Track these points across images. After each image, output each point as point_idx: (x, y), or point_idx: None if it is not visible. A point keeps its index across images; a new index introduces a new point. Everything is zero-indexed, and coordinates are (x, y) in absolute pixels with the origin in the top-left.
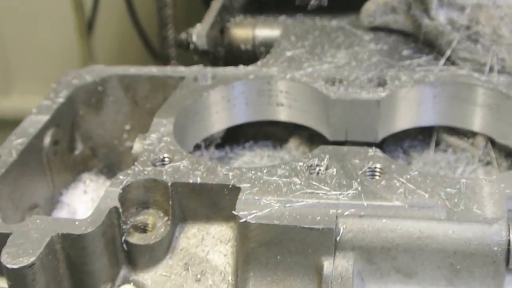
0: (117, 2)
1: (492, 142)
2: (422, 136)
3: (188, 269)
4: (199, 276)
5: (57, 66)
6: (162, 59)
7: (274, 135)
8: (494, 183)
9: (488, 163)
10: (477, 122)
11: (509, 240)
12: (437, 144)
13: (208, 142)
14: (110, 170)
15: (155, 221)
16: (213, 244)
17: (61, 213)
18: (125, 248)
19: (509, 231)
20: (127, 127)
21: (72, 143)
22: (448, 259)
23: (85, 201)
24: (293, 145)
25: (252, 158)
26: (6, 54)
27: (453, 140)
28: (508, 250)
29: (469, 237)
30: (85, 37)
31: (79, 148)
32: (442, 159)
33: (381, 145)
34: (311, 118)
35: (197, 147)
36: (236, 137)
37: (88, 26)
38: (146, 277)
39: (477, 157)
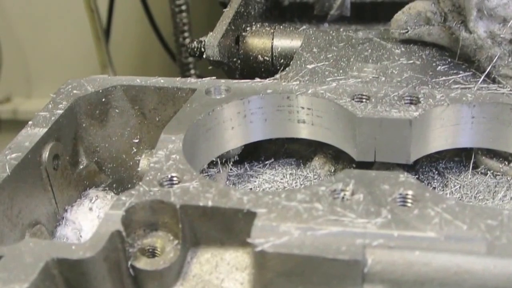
0: (133, 7)
1: None
2: (459, 158)
3: None
4: None
5: (75, 71)
6: (181, 65)
7: (297, 153)
8: None
9: None
10: None
11: None
12: (475, 166)
13: (224, 160)
14: (119, 185)
15: (164, 244)
16: (228, 271)
17: (66, 230)
18: (132, 273)
19: None
20: (136, 140)
21: (75, 158)
22: None
23: (90, 218)
24: (318, 164)
25: (273, 177)
26: (27, 60)
27: (492, 163)
28: None
29: None
30: (102, 42)
31: (83, 162)
32: (480, 183)
33: (414, 165)
34: (335, 137)
35: (213, 164)
36: (256, 153)
37: (105, 32)
38: None
39: None
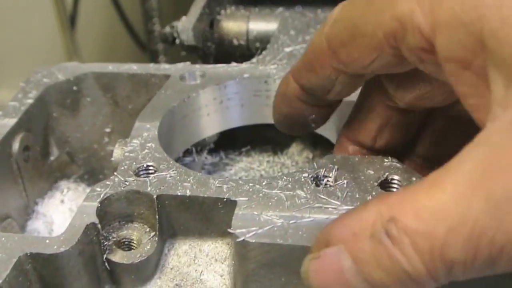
0: None
1: None
2: None
3: None
4: None
5: (42, 60)
6: (151, 52)
7: (274, 139)
8: None
9: None
10: None
11: None
12: None
13: (199, 147)
14: (91, 176)
15: (141, 236)
16: (208, 263)
17: (37, 223)
18: (108, 267)
19: None
20: (108, 129)
21: (46, 149)
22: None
23: (62, 211)
24: (295, 150)
25: (249, 164)
26: None
27: None
28: None
29: None
30: (67, 29)
31: (55, 153)
32: None
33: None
34: None
35: (188, 152)
36: (232, 141)
37: (70, 19)
38: None
39: None
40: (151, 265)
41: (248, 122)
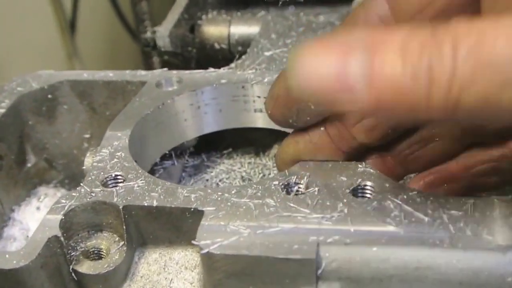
0: None
1: None
2: None
3: None
4: None
5: (42, 66)
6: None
7: (257, 141)
8: (509, 204)
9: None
10: None
11: None
12: None
13: (179, 151)
14: (72, 181)
15: (109, 246)
16: (177, 271)
17: (13, 230)
18: (75, 277)
19: None
20: (87, 135)
21: (21, 156)
22: None
23: (38, 218)
24: None
25: (231, 166)
26: None
27: None
28: None
29: (477, 267)
30: (67, 33)
31: (31, 160)
32: None
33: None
34: None
35: (168, 156)
36: (214, 143)
37: (70, 23)
38: None
39: None
40: (120, 275)
41: (227, 126)
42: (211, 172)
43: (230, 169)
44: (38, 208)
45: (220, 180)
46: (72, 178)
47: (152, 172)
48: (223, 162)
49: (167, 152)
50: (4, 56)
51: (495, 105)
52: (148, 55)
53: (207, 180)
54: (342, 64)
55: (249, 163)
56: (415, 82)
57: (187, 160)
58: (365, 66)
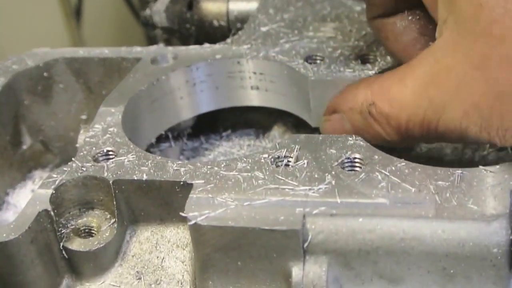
0: None
1: None
2: None
3: (140, 278)
4: (153, 286)
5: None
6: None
7: (257, 122)
8: (496, 174)
9: (502, 149)
10: None
11: (511, 240)
12: None
13: (177, 133)
14: None
15: (100, 223)
16: (169, 249)
17: (7, 214)
18: (65, 255)
19: (511, 229)
20: (84, 116)
21: (16, 137)
22: (440, 263)
23: None
24: (277, 133)
25: (229, 149)
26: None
27: None
28: (511, 251)
29: (462, 237)
30: (74, 22)
31: (27, 142)
32: (447, 145)
33: None
34: (291, 103)
35: (166, 138)
36: (213, 125)
37: (75, 10)
38: (93, 287)
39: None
40: (111, 253)
41: (224, 105)
42: (209, 155)
43: (228, 152)
44: (32, 191)
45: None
46: (69, 161)
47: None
48: (221, 145)
49: (163, 133)
50: (9, 44)
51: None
52: (153, 40)
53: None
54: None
55: (248, 145)
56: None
57: (185, 143)
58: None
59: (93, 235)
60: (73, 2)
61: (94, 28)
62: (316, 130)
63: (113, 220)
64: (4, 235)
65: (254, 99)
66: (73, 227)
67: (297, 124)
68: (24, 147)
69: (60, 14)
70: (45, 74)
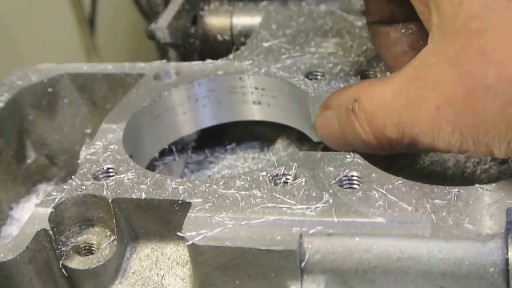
0: None
1: None
2: None
3: None
4: None
5: (61, 60)
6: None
7: (262, 135)
8: (492, 192)
9: (503, 162)
10: None
11: (507, 260)
12: None
13: (181, 147)
14: None
15: (100, 241)
16: (169, 266)
17: (11, 229)
18: (65, 273)
19: (507, 249)
20: (88, 130)
21: (21, 152)
22: (437, 282)
23: None
24: (281, 146)
25: (234, 162)
26: (17, 48)
27: None
28: (507, 270)
29: (459, 257)
30: (87, 31)
31: (31, 156)
32: (450, 158)
33: None
34: (292, 118)
35: (170, 152)
36: (218, 138)
37: (89, 18)
38: None
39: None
40: (111, 270)
41: (227, 119)
42: (214, 168)
43: (233, 165)
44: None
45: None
46: (74, 174)
47: (152, 167)
48: (226, 158)
49: (166, 147)
50: (24, 52)
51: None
52: (164, 50)
53: (209, 176)
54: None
55: (253, 158)
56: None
57: (190, 156)
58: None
59: (93, 252)
60: (87, 10)
61: (107, 36)
62: (318, 145)
63: (113, 237)
64: (2, 255)
65: (256, 113)
66: (73, 244)
67: (300, 137)
68: (29, 161)
69: (74, 22)
70: (49, 89)
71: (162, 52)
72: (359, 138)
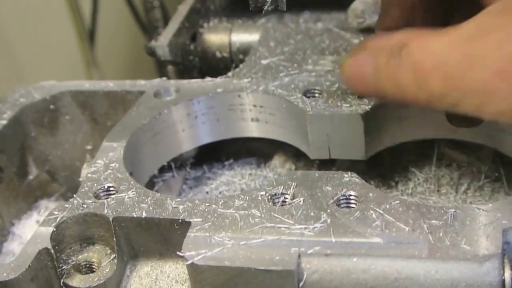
0: (118, 5)
1: (500, 155)
2: (423, 150)
3: None
4: None
5: (62, 77)
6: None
7: (259, 151)
8: (488, 213)
9: (497, 179)
10: (482, 134)
11: (503, 281)
12: (439, 158)
13: (179, 163)
14: (75, 194)
15: (101, 259)
16: (168, 284)
17: (13, 245)
18: None
19: (503, 270)
20: (89, 147)
21: (23, 168)
22: None
23: None
24: (278, 162)
25: (231, 178)
26: (19, 62)
27: (456, 154)
28: None
29: (455, 278)
30: (86, 42)
31: (33, 172)
32: (444, 175)
33: (382, 160)
34: (290, 135)
35: (169, 168)
36: (216, 154)
37: (89, 32)
38: None
39: (484, 173)
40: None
41: (226, 136)
42: (212, 184)
43: (230, 181)
44: (38, 222)
45: (220, 192)
46: (75, 190)
47: (151, 184)
48: (224, 174)
49: (165, 164)
50: (25, 65)
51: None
52: (163, 63)
53: (207, 192)
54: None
55: (250, 174)
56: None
57: (188, 172)
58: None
59: (94, 270)
60: (87, 24)
61: (107, 50)
62: (314, 161)
63: (113, 256)
64: (5, 274)
65: (254, 130)
66: (74, 262)
67: (297, 154)
68: (30, 177)
69: (74, 36)
70: (51, 106)
71: (160, 66)
72: (396, 85)
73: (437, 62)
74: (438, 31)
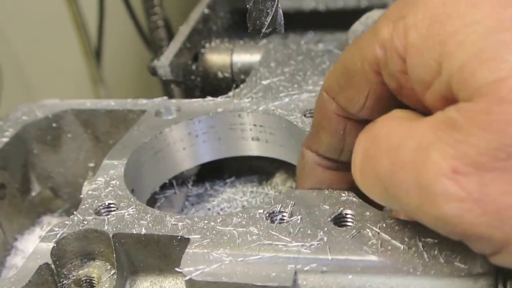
0: (124, 22)
1: None
2: None
3: None
4: None
5: (69, 95)
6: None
7: (261, 169)
8: None
9: None
10: None
11: None
12: None
13: (181, 180)
14: None
15: (101, 274)
16: None
17: (16, 259)
18: None
19: (497, 287)
20: (91, 164)
21: (26, 185)
22: None
23: None
24: (279, 180)
25: (233, 195)
26: (28, 78)
27: None
28: None
29: None
30: (92, 59)
31: (36, 189)
32: None
33: None
34: (289, 153)
35: (171, 185)
36: (219, 171)
37: (95, 49)
38: None
39: None
40: None
41: (226, 155)
42: (213, 201)
43: (232, 198)
44: (40, 237)
45: (221, 209)
46: (77, 207)
47: (153, 201)
48: (225, 191)
49: (167, 182)
50: (33, 82)
51: None
52: (168, 82)
53: (208, 209)
54: None
55: (251, 192)
56: None
57: (190, 189)
58: None
59: (94, 285)
60: (93, 43)
61: (113, 67)
62: None
63: (113, 271)
64: None
65: (254, 149)
66: (74, 278)
67: None
68: (33, 193)
69: (80, 54)
70: (54, 124)
71: (165, 84)
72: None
73: None
74: None
